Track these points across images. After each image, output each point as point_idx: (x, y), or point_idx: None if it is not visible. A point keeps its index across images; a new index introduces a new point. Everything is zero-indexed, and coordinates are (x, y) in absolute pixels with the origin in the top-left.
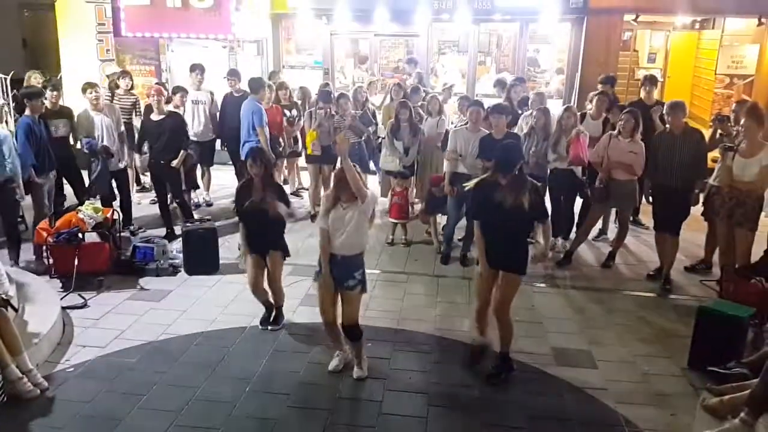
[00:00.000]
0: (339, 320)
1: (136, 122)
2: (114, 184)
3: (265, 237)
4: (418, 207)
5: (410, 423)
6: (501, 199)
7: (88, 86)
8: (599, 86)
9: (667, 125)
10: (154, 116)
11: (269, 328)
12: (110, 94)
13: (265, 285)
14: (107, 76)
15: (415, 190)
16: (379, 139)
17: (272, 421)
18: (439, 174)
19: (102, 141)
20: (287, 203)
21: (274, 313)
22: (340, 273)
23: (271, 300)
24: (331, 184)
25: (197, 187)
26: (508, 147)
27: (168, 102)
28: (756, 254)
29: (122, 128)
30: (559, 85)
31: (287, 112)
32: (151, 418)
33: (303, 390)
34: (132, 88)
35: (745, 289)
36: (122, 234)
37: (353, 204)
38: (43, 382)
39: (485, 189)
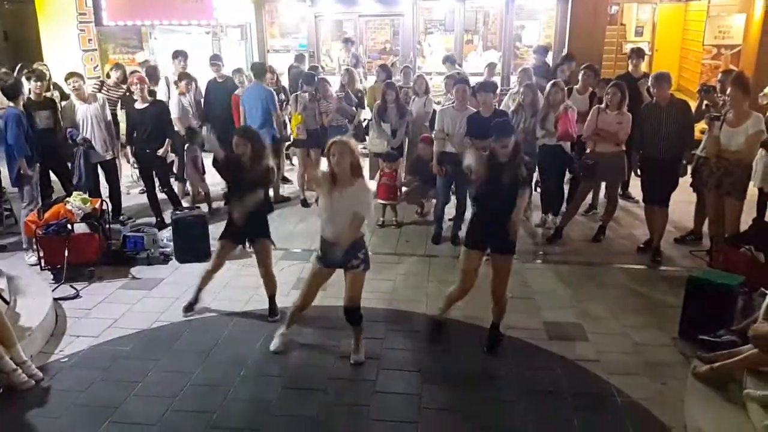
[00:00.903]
0: (334, 303)
1: (123, 114)
2: (102, 176)
3: (249, 224)
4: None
5: (405, 400)
6: (502, 176)
7: (71, 75)
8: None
9: (654, 97)
10: (138, 105)
11: (269, 319)
12: (99, 84)
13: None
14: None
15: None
16: (365, 122)
17: (267, 403)
18: (428, 135)
19: (86, 131)
20: (266, 185)
21: (269, 304)
22: (344, 257)
23: (202, 290)
24: (324, 165)
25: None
26: (499, 123)
27: (151, 92)
28: (745, 223)
29: (109, 118)
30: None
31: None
32: (147, 405)
33: (297, 372)
34: (123, 81)
35: (735, 258)
36: (112, 224)
37: (348, 189)
38: (38, 372)
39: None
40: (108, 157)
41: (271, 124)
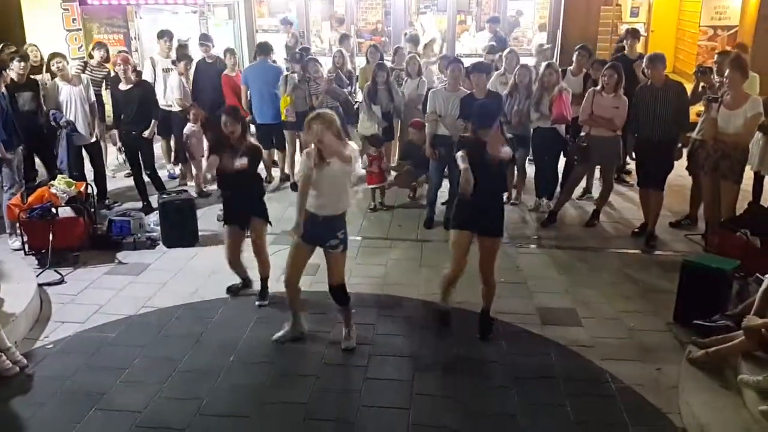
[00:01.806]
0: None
1: (107, 94)
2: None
3: (243, 203)
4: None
5: (396, 386)
6: (486, 157)
7: (53, 56)
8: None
9: (649, 79)
10: (122, 86)
11: (257, 304)
12: (83, 65)
13: (244, 257)
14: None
15: (397, 156)
16: (356, 105)
17: (257, 390)
18: (420, 120)
19: (70, 113)
20: (256, 164)
21: (260, 287)
22: (322, 233)
23: (248, 274)
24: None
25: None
26: (483, 103)
27: (135, 71)
28: (740, 207)
29: (93, 99)
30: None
31: None
32: (135, 391)
33: (288, 357)
34: (107, 60)
35: (730, 243)
36: (97, 208)
37: (334, 162)
38: (23, 359)
39: (466, 147)
40: (92, 140)
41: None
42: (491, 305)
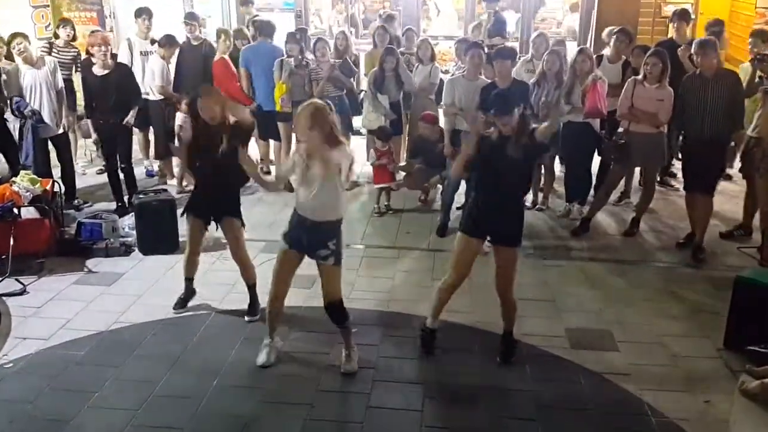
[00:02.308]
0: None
1: (77, 79)
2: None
3: (216, 199)
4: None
5: (404, 417)
6: (505, 155)
7: (14, 37)
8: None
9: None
10: (98, 71)
11: (246, 319)
12: (48, 46)
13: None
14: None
15: (405, 152)
16: (360, 93)
17: (244, 419)
18: (432, 113)
19: (35, 101)
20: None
21: (249, 299)
22: (311, 240)
23: (194, 275)
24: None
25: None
26: (503, 92)
27: (111, 54)
28: None
29: (61, 85)
30: (572, 25)
31: None
32: (104, 418)
33: (279, 383)
34: (74, 39)
35: None
36: (65, 209)
37: (324, 155)
38: None
39: (484, 147)
40: (59, 132)
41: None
42: (513, 326)
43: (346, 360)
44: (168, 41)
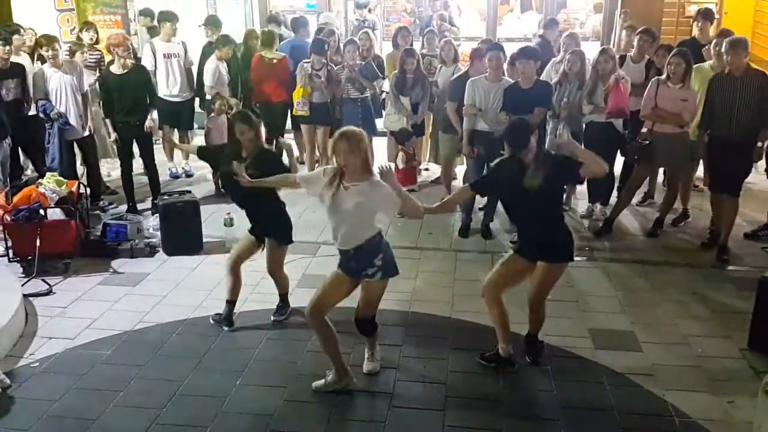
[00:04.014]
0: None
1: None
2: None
3: (256, 219)
4: (429, 173)
5: (426, 416)
6: (526, 180)
7: (46, 40)
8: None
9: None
10: (116, 69)
11: (272, 319)
12: (74, 48)
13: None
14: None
15: (428, 154)
16: (382, 95)
17: (268, 417)
18: None
19: (61, 104)
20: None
21: (278, 302)
22: (358, 264)
23: (233, 296)
24: (331, 155)
25: None
26: (512, 124)
27: (137, 58)
28: None
29: (86, 88)
30: (596, 25)
31: None
32: (129, 417)
33: (302, 382)
34: (97, 42)
35: None
36: (90, 210)
37: (360, 184)
38: (5, 379)
39: (504, 171)
40: (85, 134)
41: None
42: (539, 332)
43: (369, 360)
44: (225, 41)
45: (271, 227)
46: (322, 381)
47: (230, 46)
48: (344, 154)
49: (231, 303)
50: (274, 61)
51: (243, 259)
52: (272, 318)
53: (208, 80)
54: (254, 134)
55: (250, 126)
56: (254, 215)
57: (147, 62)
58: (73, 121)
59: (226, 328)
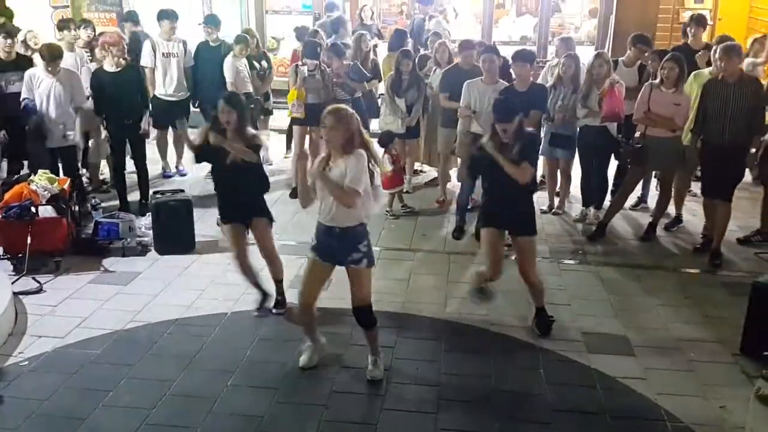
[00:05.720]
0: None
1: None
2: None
3: (242, 201)
4: (424, 176)
5: (418, 419)
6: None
7: (66, 24)
8: None
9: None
10: (108, 67)
11: (273, 311)
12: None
13: (254, 260)
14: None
15: (422, 155)
16: (379, 97)
17: (259, 419)
18: None
19: (43, 107)
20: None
21: (274, 293)
22: (341, 247)
23: (260, 281)
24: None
25: None
26: (506, 98)
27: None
28: None
29: (81, 99)
30: (590, 29)
31: (256, 64)
32: (119, 417)
33: (293, 383)
34: (94, 39)
35: None
36: (82, 208)
37: (338, 161)
38: None
39: (483, 158)
40: (69, 143)
41: None
42: (543, 303)
43: (373, 366)
44: (237, 39)
45: (259, 206)
46: (305, 356)
47: (243, 44)
48: (327, 129)
49: (261, 290)
50: None
51: (243, 249)
52: (273, 311)
53: (228, 77)
54: (236, 117)
55: (232, 107)
56: (243, 198)
57: (146, 59)
58: (54, 129)
59: (274, 310)
